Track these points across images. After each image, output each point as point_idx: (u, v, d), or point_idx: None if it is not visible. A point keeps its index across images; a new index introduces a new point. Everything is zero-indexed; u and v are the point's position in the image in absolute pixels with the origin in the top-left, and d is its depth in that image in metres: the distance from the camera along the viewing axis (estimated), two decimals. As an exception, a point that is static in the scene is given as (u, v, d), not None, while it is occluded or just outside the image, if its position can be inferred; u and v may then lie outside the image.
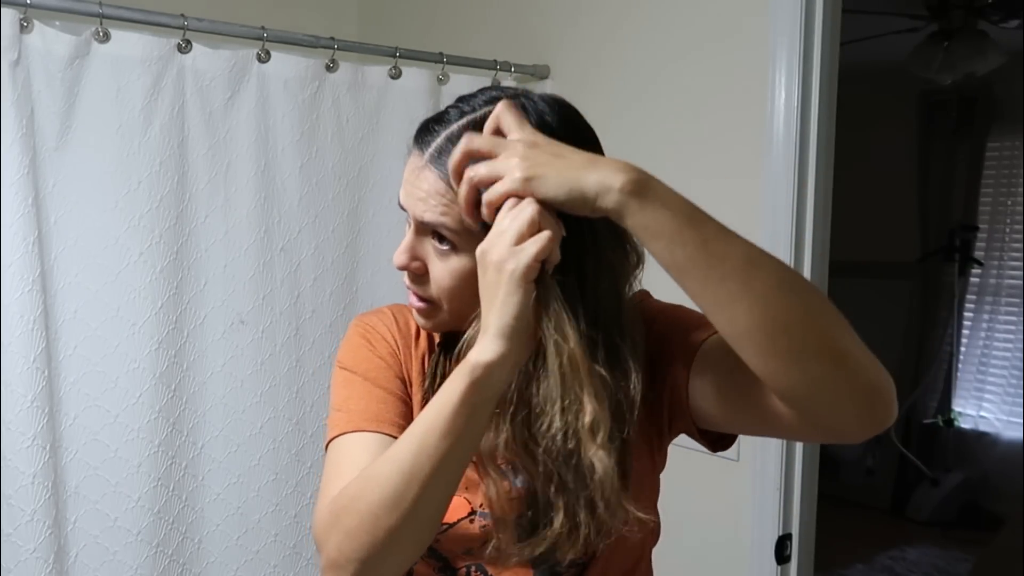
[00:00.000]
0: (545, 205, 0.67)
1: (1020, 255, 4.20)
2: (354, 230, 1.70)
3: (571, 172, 0.66)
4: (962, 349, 4.42)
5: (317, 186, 1.64)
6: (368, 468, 0.73)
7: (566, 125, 0.76)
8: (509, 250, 0.66)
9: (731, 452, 1.57)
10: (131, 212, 1.43)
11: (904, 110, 4.46)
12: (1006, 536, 3.23)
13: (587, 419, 0.68)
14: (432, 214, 0.75)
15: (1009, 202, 4.24)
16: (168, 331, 1.48)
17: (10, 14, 1.27)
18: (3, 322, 1.30)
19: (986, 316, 4.35)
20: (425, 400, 0.85)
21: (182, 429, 1.52)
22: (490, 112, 0.74)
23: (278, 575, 1.65)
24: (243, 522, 1.60)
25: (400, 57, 1.67)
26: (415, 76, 1.71)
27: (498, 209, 0.68)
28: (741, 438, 1.57)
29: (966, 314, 4.40)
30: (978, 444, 4.33)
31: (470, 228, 0.73)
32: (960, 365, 4.44)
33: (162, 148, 1.45)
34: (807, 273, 1.47)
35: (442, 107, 0.80)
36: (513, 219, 0.67)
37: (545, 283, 0.68)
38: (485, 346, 0.67)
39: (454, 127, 0.75)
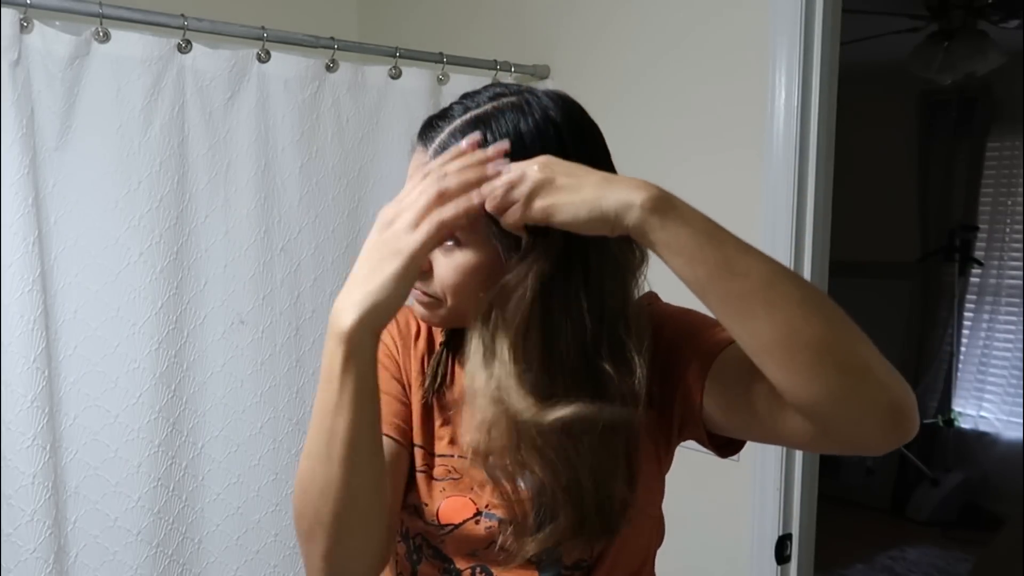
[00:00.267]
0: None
1: (1020, 255, 4.20)
2: (354, 230, 1.70)
3: (589, 193, 0.66)
4: (962, 349, 4.42)
5: (317, 186, 1.64)
6: (298, 474, 0.73)
7: (571, 122, 0.75)
8: (404, 223, 0.67)
9: (731, 452, 1.57)
10: (131, 212, 1.43)
11: (904, 110, 4.46)
12: (1006, 536, 3.23)
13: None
14: None
15: (1009, 202, 4.24)
16: (168, 331, 1.48)
17: (10, 14, 1.27)
18: (3, 322, 1.30)
19: (986, 316, 4.35)
20: (425, 400, 0.85)
21: (182, 429, 1.52)
22: (494, 108, 0.74)
23: (278, 575, 1.65)
24: (243, 522, 1.60)
25: (400, 57, 1.67)
26: (415, 76, 1.71)
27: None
28: (741, 438, 1.58)
29: (966, 314, 4.40)
30: (978, 444, 4.33)
31: (474, 223, 0.72)
32: (960, 365, 4.44)
33: (162, 148, 1.44)
34: (807, 273, 1.47)
35: (442, 107, 0.80)
36: (419, 195, 0.68)
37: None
38: (344, 308, 0.67)
39: (458, 123, 0.75)
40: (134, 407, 1.46)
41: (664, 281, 0.79)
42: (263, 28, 1.51)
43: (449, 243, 0.76)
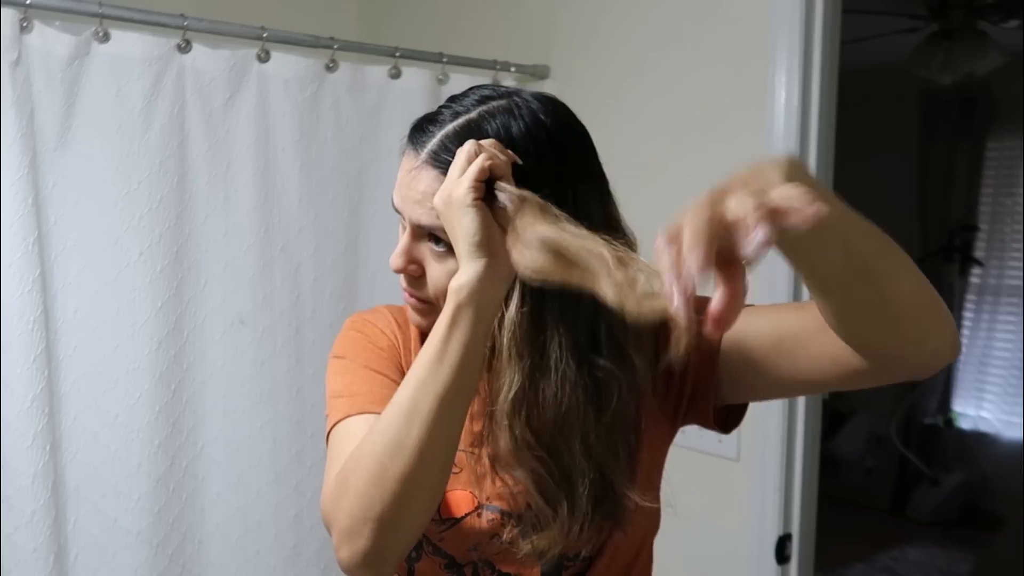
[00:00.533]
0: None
1: (1020, 255, 4.20)
2: (354, 230, 1.70)
3: None
4: (962, 349, 4.42)
5: (317, 186, 1.63)
6: (370, 428, 0.72)
7: (560, 123, 0.76)
8: (452, 184, 0.68)
9: (731, 452, 1.57)
10: (131, 212, 1.43)
11: (904, 110, 4.46)
12: (1006, 536, 3.24)
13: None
14: (429, 217, 0.74)
15: (1009, 202, 4.24)
16: (168, 331, 1.48)
17: (10, 14, 1.27)
18: (3, 322, 1.30)
19: (986, 316, 4.35)
20: None
21: (182, 429, 1.52)
22: (483, 112, 0.74)
23: (278, 575, 1.65)
24: (243, 522, 1.60)
25: (400, 57, 1.67)
26: (415, 76, 1.71)
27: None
28: (741, 437, 1.58)
29: (966, 314, 4.40)
30: (978, 444, 4.33)
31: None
32: (960, 365, 4.44)
33: (162, 148, 1.44)
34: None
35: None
36: (454, 162, 0.69)
37: (498, 203, 0.69)
38: (460, 270, 0.68)
39: (449, 128, 0.75)
40: (134, 407, 1.45)
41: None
42: (263, 28, 1.51)
43: (441, 249, 0.76)
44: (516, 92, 0.77)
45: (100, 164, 1.40)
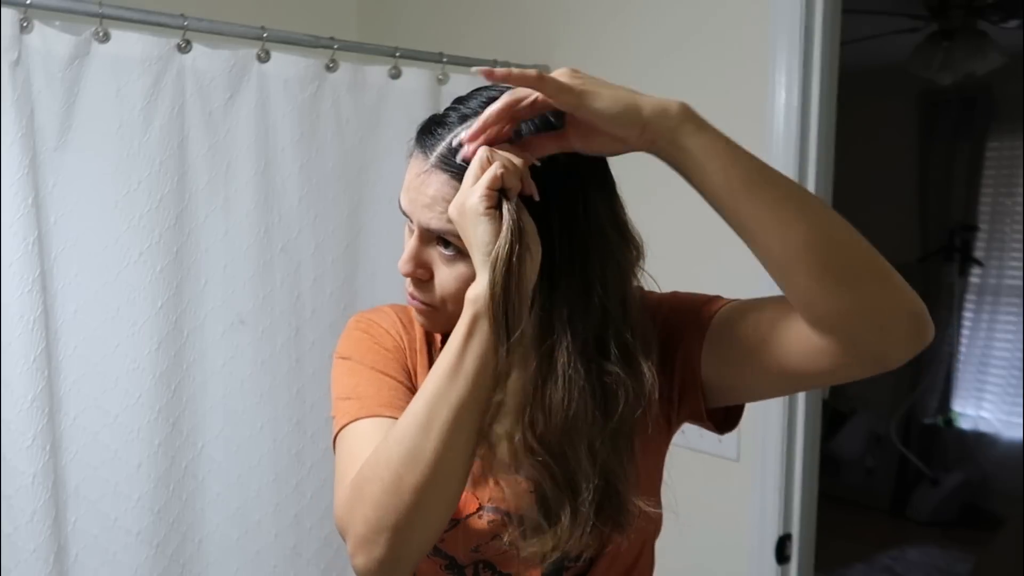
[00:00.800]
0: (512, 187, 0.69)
1: (1020, 255, 4.20)
2: (354, 230, 1.70)
3: (626, 92, 0.69)
4: (962, 349, 4.42)
5: (317, 186, 1.63)
6: (385, 436, 0.72)
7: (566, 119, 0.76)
8: (466, 193, 0.69)
9: (731, 452, 1.57)
10: (131, 212, 1.43)
11: (904, 110, 4.46)
12: (1006, 536, 3.24)
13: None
14: (439, 221, 0.74)
15: (1009, 202, 4.24)
16: (168, 331, 1.48)
17: (10, 14, 1.27)
18: (3, 322, 1.30)
19: (986, 316, 4.35)
20: None
21: (182, 429, 1.52)
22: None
23: (278, 575, 1.65)
24: (243, 522, 1.60)
25: (400, 57, 1.67)
26: (415, 76, 1.71)
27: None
28: (741, 437, 1.58)
29: (966, 314, 4.40)
30: (978, 444, 4.33)
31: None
32: (960, 365, 4.44)
33: (162, 148, 1.44)
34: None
35: (442, 107, 0.80)
36: (469, 169, 0.70)
37: (509, 211, 0.69)
38: (477, 279, 0.69)
39: (459, 130, 0.75)
40: (134, 407, 1.45)
41: (660, 275, 0.79)
42: (263, 28, 1.51)
43: (451, 252, 0.76)
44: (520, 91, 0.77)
45: (100, 164, 1.40)
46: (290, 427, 1.63)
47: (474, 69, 0.69)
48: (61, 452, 1.40)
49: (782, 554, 1.52)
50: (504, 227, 0.67)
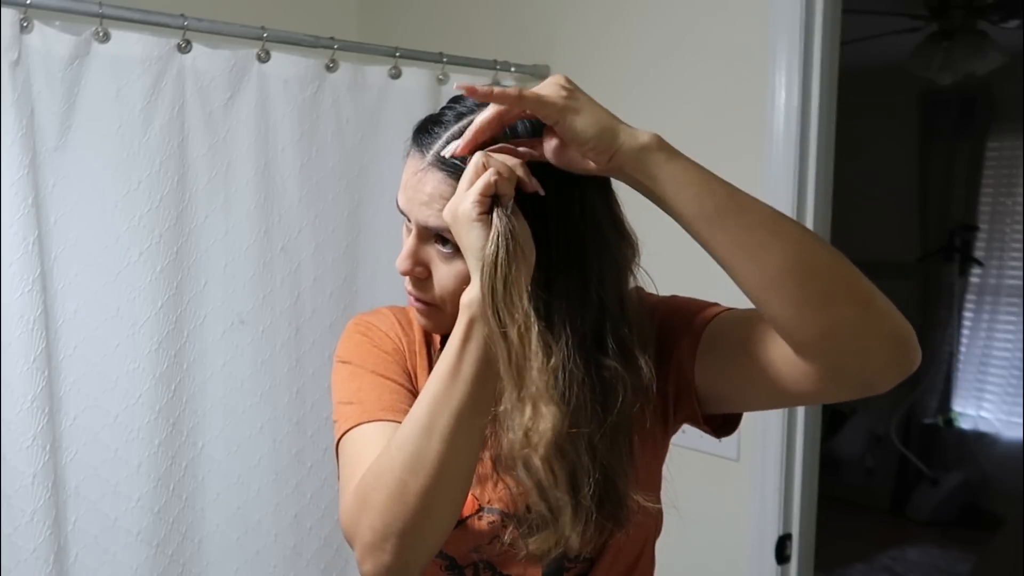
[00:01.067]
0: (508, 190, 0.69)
1: (1020, 255, 4.20)
2: (354, 230, 1.70)
3: (607, 116, 0.69)
4: (962, 349, 4.43)
5: (317, 186, 1.63)
6: (388, 443, 0.72)
7: None
8: (460, 197, 0.69)
9: (731, 452, 1.57)
10: (131, 212, 1.43)
11: (904, 110, 4.46)
12: (1006, 536, 3.24)
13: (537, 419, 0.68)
14: (436, 219, 0.74)
15: (1009, 202, 4.25)
16: (168, 331, 1.48)
17: (10, 14, 1.27)
18: (3, 322, 1.30)
19: (986, 316, 4.35)
20: None
21: (182, 429, 1.52)
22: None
23: (278, 575, 1.65)
24: (243, 522, 1.60)
25: (400, 57, 1.67)
26: (415, 76, 1.71)
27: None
28: (741, 437, 1.58)
29: (966, 314, 4.40)
30: (978, 444, 4.33)
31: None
32: (960, 365, 4.44)
33: (162, 148, 1.44)
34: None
35: (441, 107, 0.80)
36: (464, 173, 0.70)
37: (500, 217, 0.69)
38: (471, 283, 0.69)
39: (454, 129, 0.75)
40: (134, 407, 1.46)
41: (658, 275, 0.79)
42: (263, 28, 1.51)
43: (449, 250, 0.76)
44: None
45: (100, 164, 1.40)
46: (290, 427, 1.63)
47: (456, 85, 0.69)
48: (61, 452, 1.40)
49: (782, 554, 1.52)
50: (495, 233, 0.68)
